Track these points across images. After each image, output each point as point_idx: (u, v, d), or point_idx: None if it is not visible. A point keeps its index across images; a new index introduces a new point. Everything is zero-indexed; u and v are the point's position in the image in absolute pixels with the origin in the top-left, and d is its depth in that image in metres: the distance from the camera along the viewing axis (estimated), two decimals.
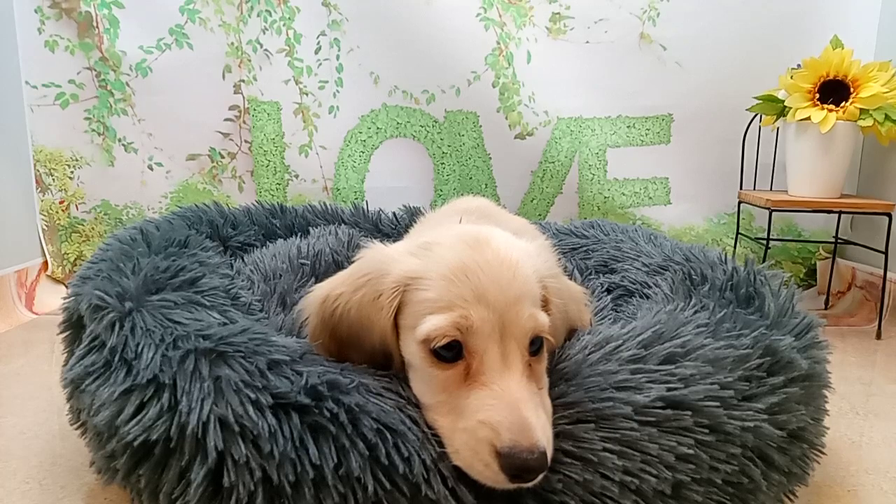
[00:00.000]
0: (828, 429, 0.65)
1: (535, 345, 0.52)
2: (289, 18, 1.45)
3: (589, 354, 0.56)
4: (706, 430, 0.52)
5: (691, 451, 0.51)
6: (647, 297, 0.81)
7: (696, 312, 0.65)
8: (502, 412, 0.46)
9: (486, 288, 0.51)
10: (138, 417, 0.50)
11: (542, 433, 0.46)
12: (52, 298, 1.39)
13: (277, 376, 0.50)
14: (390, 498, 0.46)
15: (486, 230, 0.58)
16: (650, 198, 1.53)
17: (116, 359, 0.55)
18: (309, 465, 0.46)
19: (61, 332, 0.70)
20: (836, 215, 1.45)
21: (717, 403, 0.53)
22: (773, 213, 1.27)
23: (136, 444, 0.49)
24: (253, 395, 0.48)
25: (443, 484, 0.47)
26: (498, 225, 0.76)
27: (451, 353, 0.50)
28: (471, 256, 0.52)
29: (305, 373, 0.50)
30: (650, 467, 0.49)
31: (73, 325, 0.68)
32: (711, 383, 0.54)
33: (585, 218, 1.49)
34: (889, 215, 1.24)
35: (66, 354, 0.67)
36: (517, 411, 0.46)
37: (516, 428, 0.45)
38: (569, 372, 0.54)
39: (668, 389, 0.52)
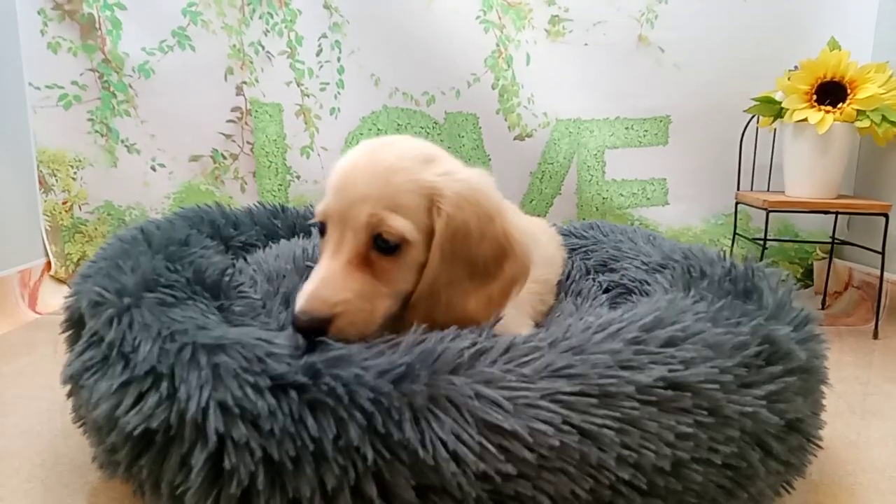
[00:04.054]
0: (825, 423, 0.65)
1: (386, 244, 0.59)
2: (290, 21, 1.45)
3: (594, 334, 0.56)
4: (705, 412, 0.53)
5: (690, 430, 0.51)
6: (647, 294, 0.82)
7: (695, 303, 0.65)
8: (306, 285, 0.58)
9: (344, 184, 0.60)
10: (137, 407, 0.50)
11: (311, 301, 0.56)
12: (55, 299, 1.39)
13: (276, 362, 0.50)
14: (390, 467, 0.47)
15: (393, 140, 0.65)
16: (648, 199, 1.54)
17: (114, 353, 0.55)
18: (308, 438, 0.46)
19: (63, 332, 0.70)
20: (833, 216, 1.46)
21: (717, 386, 0.54)
22: (770, 214, 1.27)
23: (136, 434, 0.50)
24: (252, 379, 0.48)
25: (444, 448, 0.47)
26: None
27: (323, 229, 0.63)
28: (352, 158, 0.62)
29: (304, 357, 0.51)
30: (649, 443, 0.50)
31: (75, 324, 0.68)
32: (711, 367, 0.55)
33: (584, 219, 1.50)
34: (886, 216, 1.24)
35: (68, 354, 0.68)
36: (310, 285, 0.57)
37: (300, 297, 0.57)
38: (576, 346, 0.55)
39: (670, 371, 0.53)
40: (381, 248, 0.59)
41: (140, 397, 0.51)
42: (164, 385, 0.50)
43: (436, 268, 0.60)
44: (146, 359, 0.53)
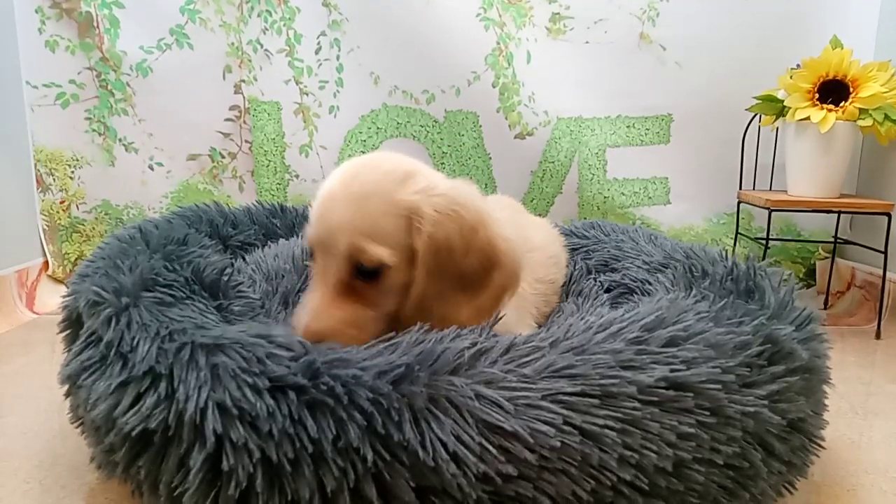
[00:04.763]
0: (827, 423, 0.65)
1: (367, 270, 0.60)
2: (289, 19, 1.45)
3: (595, 334, 0.56)
4: (707, 413, 0.52)
5: (692, 431, 0.51)
6: (648, 294, 0.82)
7: (696, 302, 0.65)
8: (299, 313, 0.61)
9: (323, 212, 0.61)
10: (136, 408, 0.50)
11: (303, 333, 0.57)
12: (53, 298, 1.39)
13: (276, 363, 0.50)
14: (390, 468, 0.46)
15: (369, 160, 0.65)
16: (650, 198, 1.54)
17: (112, 353, 0.55)
18: (308, 439, 0.46)
19: (61, 331, 0.70)
20: (836, 215, 1.46)
21: (719, 386, 0.53)
22: (773, 213, 1.27)
23: (134, 434, 0.49)
24: (250, 380, 0.48)
25: (444, 449, 0.46)
26: (515, 223, 0.83)
27: (312, 253, 0.64)
28: (330, 184, 0.62)
29: (304, 357, 0.50)
30: (650, 444, 0.50)
31: (73, 324, 0.68)
32: (713, 367, 0.54)
33: (585, 218, 1.49)
34: (888, 215, 1.24)
35: (66, 353, 0.68)
36: (302, 315, 0.60)
37: (294, 328, 0.59)
38: (577, 346, 0.54)
39: (672, 371, 0.53)
40: (363, 274, 0.60)
41: (138, 397, 0.51)
42: (163, 385, 0.50)
43: (422, 285, 0.61)
44: (145, 359, 0.52)
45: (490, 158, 1.52)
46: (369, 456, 0.46)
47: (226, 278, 0.73)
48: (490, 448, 0.47)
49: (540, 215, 1.48)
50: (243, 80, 1.46)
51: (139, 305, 0.59)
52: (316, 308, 0.60)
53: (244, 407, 0.47)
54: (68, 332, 0.69)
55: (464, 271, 0.61)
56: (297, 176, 1.51)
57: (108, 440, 0.52)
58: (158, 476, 0.49)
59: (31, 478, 0.68)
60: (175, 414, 0.48)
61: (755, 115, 1.38)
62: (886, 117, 1.18)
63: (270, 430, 0.46)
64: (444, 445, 0.46)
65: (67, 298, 0.69)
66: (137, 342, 0.54)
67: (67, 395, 0.63)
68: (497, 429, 0.48)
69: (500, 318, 0.62)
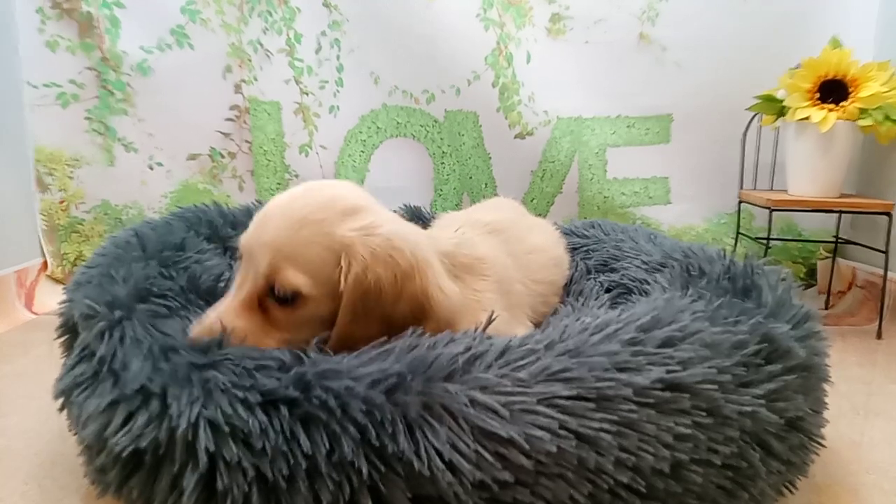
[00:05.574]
0: (827, 421, 0.65)
1: (283, 295, 0.59)
2: (289, 19, 1.45)
3: (591, 335, 0.56)
4: (704, 413, 0.52)
5: (689, 432, 0.51)
6: (647, 294, 0.82)
7: (693, 302, 0.64)
8: (205, 315, 0.61)
9: (259, 224, 0.61)
10: (126, 428, 0.49)
11: (199, 328, 0.58)
12: (52, 298, 1.38)
13: (266, 376, 0.49)
14: (386, 480, 0.46)
15: (324, 185, 0.66)
16: (650, 197, 1.53)
17: (105, 369, 0.54)
18: (301, 456, 0.45)
19: (58, 337, 0.69)
20: (836, 215, 1.45)
21: (715, 387, 0.53)
22: (773, 213, 1.27)
23: (125, 455, 0.48)
24: (241, 395, 0.47)
25: (439, 458, 0.46)
26: (515, 224, 0.88)
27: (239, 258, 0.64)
28: (279, 199, 0.63)
29: (294, 369, 0.50)
30: (647, 445, 0.50)
31: (70, 330, 0.68)
32: (709, 367, 0.54)
33: (585, 217, 1.49)
34: (889, 215, 1.23)
35: (63, 359, 0.67)
36: (207, 316, 0.60)
37: (195, 325, 0.60)
38: (572, 349, 0.54)
39: (668, 371, 0.52)
40: (277, 297, 0.60)
41: (129, 416, 0.50)
42: (154, 403, 0.49)
43: (346, 324, 0.59)
44: (136, 377, 0.51)
45: (490, 158, 1.52)
46: (364, 468, 0.45)
47: (222, 284, 0.73)
48: (486, 455, 0.47)
49: (540, 215, 1.48)
50: (243, 80, 1.46)
51: (132, 318, 0.58)
52: (222, 312, 0.60)
53: (236, 424, 0.46)
54: (65, 338, 0.68)
55: (392, 317, 0.60)
56: (296, 176, 1.51)
57: (100, 460, 0.51)
58: (151, 497, 0.48)
59: (30, 478, 0.68)
60: (167, 432, 0.47)
61: (755, 114, 1.38)
62: (886, 117, 1.18)
63: (264, 447, 0.45)
64: (440, 454, 0.46)
65: (63, 306, 0.69)
66: (129, 359, 0.53)
67: (62, 408, 0.61)
68: (493, 435, 0.47)
69: (494, 319, 0.62)
